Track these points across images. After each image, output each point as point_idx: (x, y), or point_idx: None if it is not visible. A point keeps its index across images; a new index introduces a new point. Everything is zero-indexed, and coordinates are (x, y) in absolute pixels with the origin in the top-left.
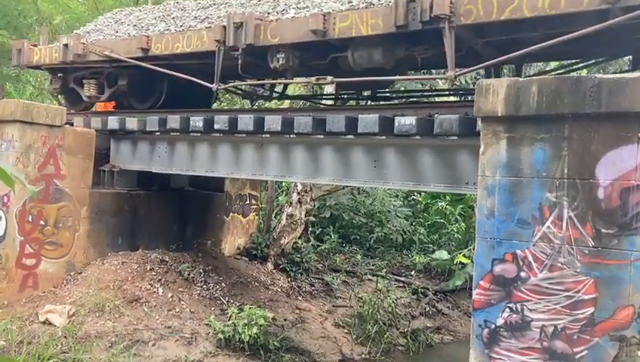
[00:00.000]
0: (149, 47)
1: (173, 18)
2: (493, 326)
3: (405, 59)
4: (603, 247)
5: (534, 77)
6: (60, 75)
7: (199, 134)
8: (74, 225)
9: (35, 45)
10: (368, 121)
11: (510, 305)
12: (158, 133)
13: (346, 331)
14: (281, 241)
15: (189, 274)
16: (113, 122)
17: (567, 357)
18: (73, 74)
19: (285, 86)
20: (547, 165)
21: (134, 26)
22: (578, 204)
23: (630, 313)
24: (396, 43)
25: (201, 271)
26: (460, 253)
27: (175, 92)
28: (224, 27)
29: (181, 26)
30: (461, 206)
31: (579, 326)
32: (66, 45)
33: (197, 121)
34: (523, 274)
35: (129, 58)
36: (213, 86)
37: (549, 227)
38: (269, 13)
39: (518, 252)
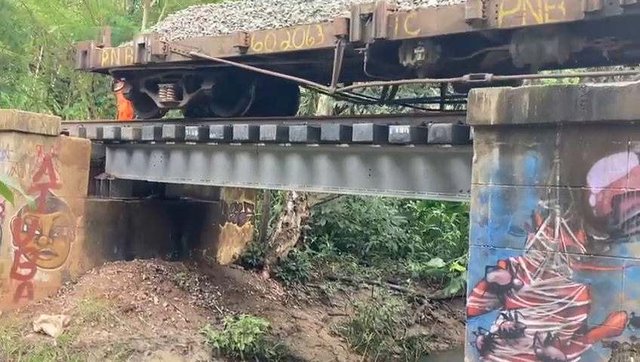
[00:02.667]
0: (247, 45)
1: (269, 13)
2: (487, 333)
3: (584, 52)
4: (595, 254)
5: (526, 86)
6: (129, 79)
7: (194, 143)
8: (69, 234)
9: (101, 46)
10: (363, 129)
11: (504, 312)
12: (154, 143)
13: (341, 339)
14: (277, 250)
15: (184, 283)
16: (108, 131)
17: None
18: (145, 77)
19: (394, 89)
20: (539, 173)
21: (223, 22)
22: (570, 212)
23: (622, 319)
24: (576, 32)
25: (196, 280)
26: (455, 261)
27: (260, 98)
28: (347, 20)
29: (286, 20)
30: (456, 213)
31: (572, 332)
32: (142, 45)
33: (192, 130)
34: (516, 281)
35: (222, 58)
36: (330, 88)
37: (541, 234)
38: (399, 2)
39: (512, 259)
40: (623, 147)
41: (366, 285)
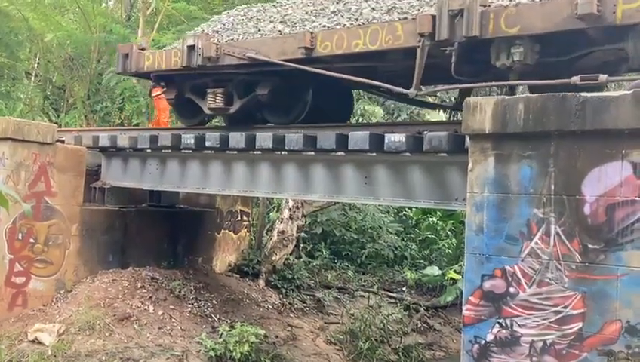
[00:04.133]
0: (313, 46)
1: (333, 12)
2: (483, 341)
3: None
4: (590, 263)
5: (521, 95)
6: (173, 83)
7: (190, 151)
8: (64, 242)
9: (142, 49)
10: (358, 137)
11: (500, 320)
12: (149, 150)
13: (337, 348)
14: (273, 258)
15: (179, 292)
16: (104, 139)
17: None
18: (192, 82)
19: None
20: (534, 182)
21: (281, 22)
22: (565, 220)
23: (618, 327)
24: None
25: (192, 288)
26: (451, 269)
27: (316, 104)
28: (433, 17)
29: (356, 19)
30: (452, 221)
31: (567, 341)
32: (191, 47)
33: (188, 138)
34: (512, 289)
35: (283, 60)
36: (412, 91)
37: (537, 243)
38: None
39: (507, 268)
40: (617, 156)
41: (362, 293)
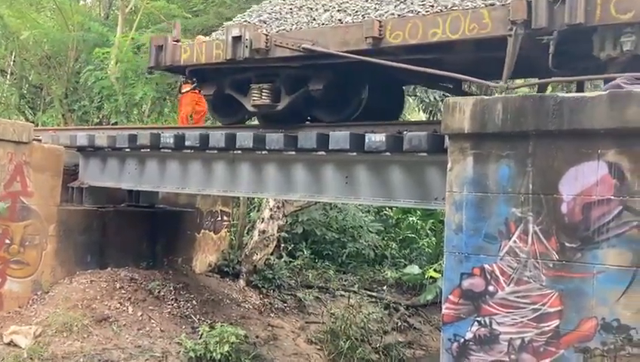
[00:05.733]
0: (381, 35)
1: None
2: (462, 339)
3: None
4: (567, 261)
5: (500, 95)
6: (212, 78)
7: (170, 151)
8: (41, 243)
9: (177, 41)
10: (339, 137)
11: (479, 318)
12: (128, 150)
13: (318, 347)
14: (254, 258)
15: (159, 292)
16: (82, 138)
17: None
18: (233, 76)
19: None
20: (512, 181)
21: (339, 10)
22: (543, 219)
23: (594, 324)
24: None
25: (171, 288)
26: (430, 268)
27: (370, 100)
28: (528, 2)
29: (432, 6)
30: (432, 221)
31: (545, 338)
32: (236, 38)
33: (167, 138)
34: (491, 288)
35: (346, 52)
36: (501, 85)
37: (515, 241)
38: None
39: (486, 266)
40: (593, 156)
41: (343, 292)
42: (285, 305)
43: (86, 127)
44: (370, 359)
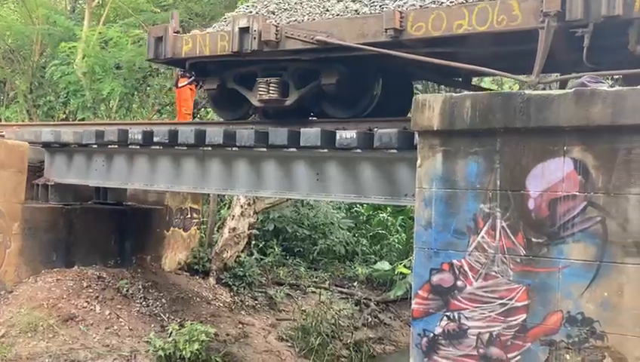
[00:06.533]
0: (402, 27)
1: None
2: (431, 334)
3: None
4: (534, 256)
5: (468, 92)
6: (215, 72)
7: (138, 147)
8: (5, 241)
9: (177, 32)
10: (310, 134)
11: (448, 313)
12: (95, 146)
13: (289, 344)
14: (224, 255)
15: (127, 291)
16: (47, 134)
17: None
18: (238, 70)
19: None
20: (481, 177)
21: (353, 1)
22: (510, 215)
23: (559, 318)
24: None
25: (140, 287)
26: (400, 264)
27: (383, 95)
28: None
29: None
30: (402, 217)
31: (512, 332)
32: (244, 29)
33: (136, 134)
34: (459, 283)
35: (363, 44)
36: (533, 79)
37: (483, 237)
38: None
39: (455, 261)
40: (559, 152)
41: (314, 289)
42: (256, 302)
43: (52, 122)
44: (341, 355)
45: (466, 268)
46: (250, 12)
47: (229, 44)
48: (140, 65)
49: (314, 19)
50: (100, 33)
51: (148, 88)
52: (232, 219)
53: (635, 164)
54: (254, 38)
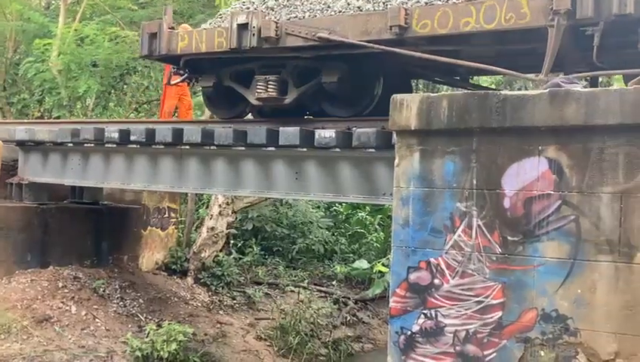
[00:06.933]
0: (407, 24)
1: None
2: (409, 332)
3: None
4: (509, 254)
5: (446, 92)
6: (210, 69)
7: (115, 146)
8: None
9: (172, 28)
10: (289, 133)
11: (425, 311)
12: (71, 145)
13: (268, 344)
14: (202, 255)
15: (104, 291)
16: (22, 133)
17: (478, 360)
18: (234, 67)
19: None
20: (457, 176)
21: None
22: (486, 213)
23: (534, 315)
24: None
25: (117, 287)
26: (379, 262)
27: (383, 94)
28: None
29: None
30: (380, 216)
31: (488, 329)
32: (242, 26)
33: (112, 132)
34: (436, 281)
35: (366, 42)
36: (541, 77)
37: (459, 235)
38: None
39: (432, 260)
40: (534, 152)
41: (292, 288)
42: (234, 301)
43: (26, 120)
44: (320, 354)
45: (443, 267)
46: (248, 8)
47: (226, 40)
48: (117, 63)
49: (315, 16)
50: (75, 30)
51: (125, 86)
52: (211, 218)
53: (607, 163)
54: (253, 34)
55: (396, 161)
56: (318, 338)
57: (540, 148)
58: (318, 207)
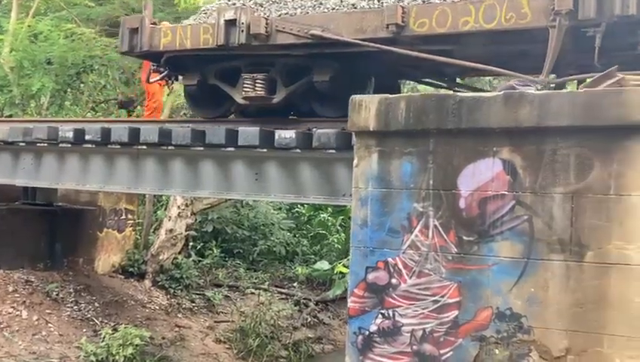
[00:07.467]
0: (404, 23)
1: None
2: (367, 332)
3: None
4: (465, 253)
5: (404, 94)
6: (194, 67)
7: (69, 145)
8: None
9: (154, 24)
10: (249, 133)
11: (383, 311)
12: (23, 144)
13: (227, 346)
14: (160, 257)
15: (57, 295)
16: None
17: (434, 359)
18: (220, 65)
19: None
20: (414, 177)
21: None
22: (442, 214)
23: (489, 314)
24: None
25: (71, 290)
26: (339, 263)
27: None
28: None
29: None
30: (342, 217)
31: (445, 328)
32: (230, 22)
33: (66, 132)
34: (394, 281)
35: (361, 40)
36: (542, 79)
37: (416, 235)
38: None
39: (390, 260)
40: (488, 153)
41: (253, 290)
42: (194, 304)
43: None
44: (280, 356)
45: (401, 266)
46: (234, 4)
47: (212, 37)
48: (72, 61)
49: (307, 13)
50: (29, 26)
51: (82, 85)
52: (169, 220)
53: (559, 164)
54: (242, 31)
55: (355, 161)
56: (278, 340)
57: (494, 149)
58: (280, 209)
